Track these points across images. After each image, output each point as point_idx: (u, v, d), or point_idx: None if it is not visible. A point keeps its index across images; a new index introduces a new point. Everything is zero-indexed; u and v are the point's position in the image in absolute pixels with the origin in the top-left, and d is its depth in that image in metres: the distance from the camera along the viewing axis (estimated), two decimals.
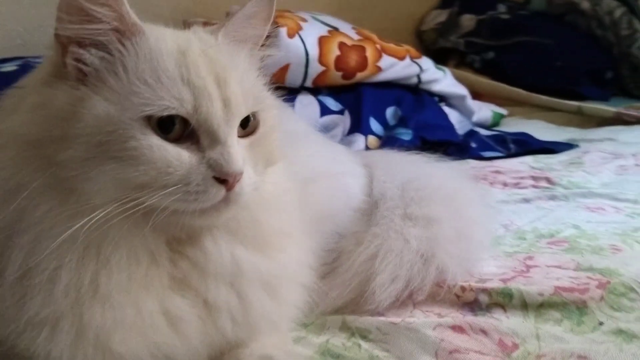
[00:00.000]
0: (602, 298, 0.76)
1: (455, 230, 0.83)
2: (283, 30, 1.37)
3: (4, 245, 0.56)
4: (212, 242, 0.61)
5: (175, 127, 0.55)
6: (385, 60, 1.49)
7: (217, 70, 0.58)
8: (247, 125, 0.61)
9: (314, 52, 1.40)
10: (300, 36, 1.39)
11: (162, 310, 0.58)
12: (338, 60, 1.42)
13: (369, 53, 1.47)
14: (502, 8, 2.22)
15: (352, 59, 1.44)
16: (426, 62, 1.59)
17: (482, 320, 0.73)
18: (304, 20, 1.46)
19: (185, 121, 0.55)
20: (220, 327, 0.60)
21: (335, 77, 1.44)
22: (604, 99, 1.94)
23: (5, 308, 0.56)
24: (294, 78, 1.39)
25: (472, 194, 0.94)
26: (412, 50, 1.58)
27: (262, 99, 0.63)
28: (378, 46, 1.50)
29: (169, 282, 0.59)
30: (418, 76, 1.55)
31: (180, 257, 0.60)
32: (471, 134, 1.56)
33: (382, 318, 0.74)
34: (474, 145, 1.48)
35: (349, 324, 0.74)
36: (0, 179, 0.56)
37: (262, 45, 0.67)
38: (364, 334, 0.72)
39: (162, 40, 0.58)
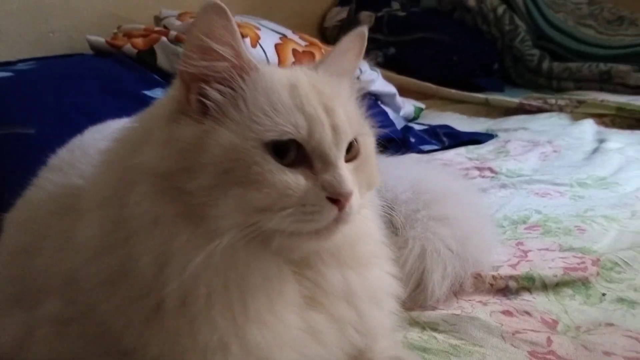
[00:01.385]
0: (598, 273, 0.94)
1: (474, 226, 0.97)
2: (246, 41, 1.42)
3: (155, 277, 0.61)
4: (324, 265, 0.67)
5: (290, 153, 0.60)
6: None
7: (324, 100, 0.64)
8: (351, 150, 0.65)
9: (273, 60, 1.46)
10: (260, 45, 1.45)
11: (304, 325, 0.65)
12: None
13: (318, 58, 1.56)
14: (395, 5, 2.40)
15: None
16: (363, 64, 1.71)
17: (518, 303, 0.89)
18: (258, 28, 1.51)
19: (298, 147, 0.60)
20: (348, 337, 0.68)
21: None
22: (498, 89, 2.20)
23: (178, 336, 0.61)
24: None
25: (471, 190, 1.08)
26: None
27: (362, 125, 0.69)
28: (323, 51, 1.60)
29: (301, 300, 0.66)
30: (358, 78, 1.67)
31: (302, 277, 0.66)
32: (407, 129, 1.72)
33: (443, 311, 0.87)
34: (412, 140, 1.64)
35: (415, 319, 0.86)
36: (138, 213, 0.61)
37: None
38: (433, 327, 0.84)
39: (275, 75, 0.64)
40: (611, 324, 0.82)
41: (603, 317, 0.84)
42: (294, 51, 1.52)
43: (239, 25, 1.42)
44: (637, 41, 2.09)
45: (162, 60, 1.49)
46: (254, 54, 1.40)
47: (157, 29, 1.61)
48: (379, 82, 1.76)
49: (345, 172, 0.62)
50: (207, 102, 0.61)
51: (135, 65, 1.47)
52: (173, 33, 1.54)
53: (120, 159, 0.66)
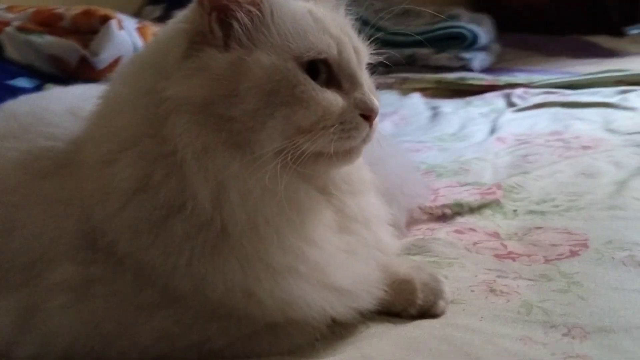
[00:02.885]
0: (503, 195, 1.12)
1: (407, 169, 1.08)
2: (113, 23, 1.35)
3: (214, 208, 0.60)
4: (340, 193, 0.72)
5: (322, 74, 0.63)
6: None
7: (340, 25, 0.68)
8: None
9: (139, 43, 1.41)
10: (126, 28, 1.39)
11: (344, 246, 0.69)
12: None
13: None
14: None
15: None
16: None
17: (459, 224, 1.02)
18: (114, 13, 1.45)
19: (328, 68, 0.64)
20: (374, 255, 0.73)
21: None
22: None
23: (248, 262, 0.62)
24: None
25: (393, 146, 1.18)
26: None
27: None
28: None
29: (334, 224, 0.70)
30: None
31: (329, 204, 0.70)
32: None
33: (407, 239, 0.96)
34: None
35: None
36: (185, 144, 0.60)
37: None
38: (406, 252, 0.92)
39: (290, 2, 0.66)
40: (539, 227, 0.98)
41: (527, 224, 1.00)
42: (154, 34, 1.48)
43: (98, 10, 1.38)
44: (427, 29, 2.41)
45: (11, 52, 1.36)
46: (119, 37, 1.36)
47: None
48: None
49: (370, 90, 0.67)
50: (236, 28, 0.62)
51: None
52: (16, 23, 1.40)
53: (138, 97, 0.64)
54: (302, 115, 0.61)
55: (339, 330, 0.69)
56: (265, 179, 0.61)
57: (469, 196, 1.11)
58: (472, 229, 0.99)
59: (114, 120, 0.64)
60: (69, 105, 0.78)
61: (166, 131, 0.61)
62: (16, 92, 1.20)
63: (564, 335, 0.69)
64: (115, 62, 1.36)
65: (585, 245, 0.89)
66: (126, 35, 1.39)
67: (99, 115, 0.68)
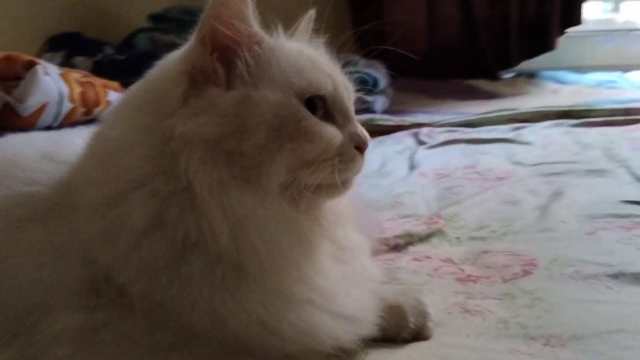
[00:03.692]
0: (445, 224, 1.18)
1: (364, 206, 1.12)
2: (39, 69, 1.29)
3: (232, 242, 0.61)
4: (330, 224, 0.74)
5: (319, 109, 0.66)
6: (111, 95, 1.54)
7: (327, 62, 0.72)
8: None
9: (64, 89, 1.36)
10: (50, 74, 1.33)
11: (341, 276, 0.71)
12: (82, 96, 1.41)
13: (98, 89, 1.50)
14: (109, 50, 2.37)
15: (91, 94, 1.45)
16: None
17: (414, 253, 1.07)
18: (38, 59, 1.38)
19: (324, 103, 0.66)
20: (366, 284, 0.76)
21: (80, 114, 1.42)
22: None
23: (264, 291, 0.63)
24: (47, 119, 1.33)
25: None
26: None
27: None
28: (97, 82, 1.53)
29: (331, 254, 0.72)
30: None
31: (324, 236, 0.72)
32: None
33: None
34: None
35: None
36: (200, 180, 0.61)
37: None
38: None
39: (285, 43, 0.69)
40: (486, 251, 1.06)
41: (473, 250, 1.07)
42: (77, 80, 1.43)
43: (20, 56, 1.32)
44: None
45: None
46: (46, 83, 1.31)
47: None
48: None
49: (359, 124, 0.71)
50: (239, 67, 0.64)
51: None
52: None
53: (141, 136, 0.63)
54: (307, 148, 0.63)
55: (343, 357, 0.71)
56: (278, 213, 0.62)
57: (413, 227, 1.16)
58: (427, 257, 1.04)
59: (117, 160, 0.63)
60: (41, 149, 0.75)
61: (178, 168, 0.61)
62: None
63: (544, 345, 0.75)
64: (41, 108, 1.29)
65: (534, 265, 0.97)
66: (51, 82, 1.33)
67: (94, 156, 0.66)
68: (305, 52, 0.70)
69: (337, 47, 0.77)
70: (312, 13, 0.80)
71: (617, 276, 0.90)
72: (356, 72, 2.17)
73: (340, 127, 0.68)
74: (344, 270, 0.72)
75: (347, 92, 0.71)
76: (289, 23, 0.75)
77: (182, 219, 0.60)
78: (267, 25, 0.69)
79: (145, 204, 0.60)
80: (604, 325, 0.77)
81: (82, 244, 0.63)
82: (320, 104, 0.67)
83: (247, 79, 0.64)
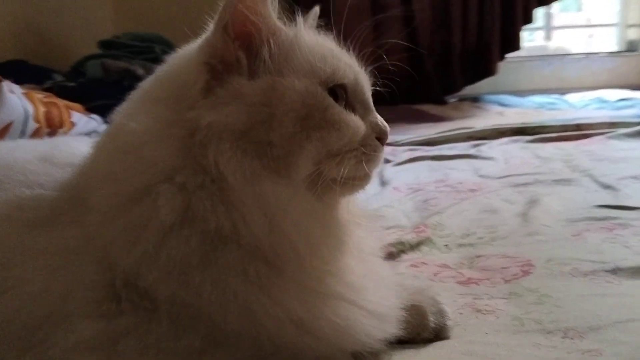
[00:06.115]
0: (432, 233, 1.18)
1: None
2: (4, 86, 1.23)
3: (267, 236, 0.58)
4: (349, 223, 0.73)
5: (341, 98, 0.64)
6: (75, 116, 1.48)
7: (345, 54, 0.70)
8: None
9: (29, 108, 1.29)
10: (13, 92, 1.27)
11: (367, 275, 0.69)
12: (47, 116, 1.35)
13: (62, 109, 1.44)
14: (59, 77, 2.29)
15: (55, 114, 1.39)
16: (97, 117, 1.62)
17: (409, 260, 1.06)
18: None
19: (345, 92, 0.65)
20: (386, 283, 0.74)
21: (44, 134, 1.35)
22: None
23: (300, 287, 0.60)
24: (14, 137, 1.25)
25: None
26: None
27: None
28: (60, 103, 1.47)
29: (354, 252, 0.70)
30: (96, 130, 1.58)
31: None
32: None
33: None
34: None
35: None
36: (231, 171, 0.58)
37: None
38: None
39: (304, 34, 0.67)
40: (480, 255, 1.06)
41: (466, 255, 1.07)
42: (40, 100, 1.37)
43: None
44: None
45: None
46: (11, 101, 1.24)
47: None
48: None
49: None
50: (263, 55, 0.62)
51: None
52: None
53: (163, 129, 0.60)
54: (335, 137, 0.62)
55: (369, 359, 0.68)
56: (309, 206, 0.60)
57: (402, 235, 1.15)
58: (423, 263, 1.04)
59: (139, 154, 0.59)
60: (39, 153, 0.71)
61: (206, 160, 0.58)
62: None
63: (563, 337, 0.75)
64: (7, 127, 1.22)
65: (531, 265, 0.98)
66: (17, 100, 1.26)
67: (112, 153, 0.62)
68: (325, 43, 0.68)
69: None
70: (316, 10, 0.79)
71: (614, 271, 0.92)
72: None
73: (362, 117, 0.66)
74: (365, 269, 0.70)
75: (367, 83, 0.70)
76: None
77: (213, 212, 0.57)
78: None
79: (173, 197, 0.57)
80: (616, 316, 0.78)
81: (98, 247, 0.58)
82: (341, 94, 0.65)
83: (270, 67, 0.62)
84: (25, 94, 1.34)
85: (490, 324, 0.79)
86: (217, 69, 0.61)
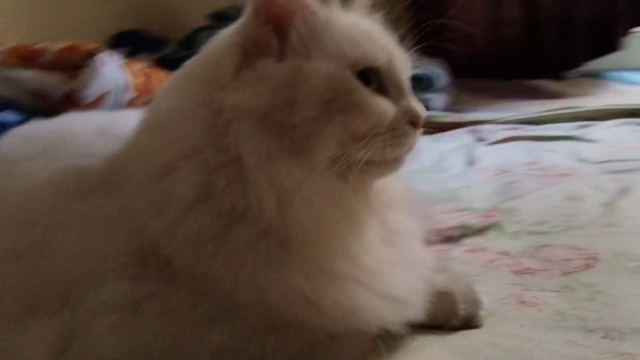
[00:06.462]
0: (502, 219, 1.15)
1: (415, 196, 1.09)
2: (99, 58, 1.34)
3: (278, 215, 0.60)
4: (382, 206, 0.73)
5: (372, 82, 0.64)
6: None
7: (384, 35, 0.70)
8: None
9: (125, 78, 1.40)
10: (112, 64, 1.37)
11: (389, 257, 0.70)
12: (145, 85, 1.45)
13: (161, 80, 1.53)
14: (170, 48, 2.43)
15: (154, 83, 1.48)
16: None
17: (468, 245, 1.04)
18: (100, 48, 1.43)
19: (378, 75, 0.65)
20: (416, 268, 0.74)
21: (141, 103, 1.45)
22: None
23: (313, 270, 0.62)
24: (107, 107, 1.37)
25: None
26: None
27: None
28: (158, 74, 1.57)
29: (380, 236, 0.70)
30: None
31: (373, 216, 0.70)
32: None
33: None
34: None
35: None
36: (249, 151, 0.60)
37: None
38: None
39: (340, 15, 0.68)
40: (546, 245, 1.02)
41: (532, 244, 1.03)
42: (138, 70, 1.47)
43: (82, 45, 1.36)
44: None
45: None
46: (105, 72, 1.35)
47: None
48: None
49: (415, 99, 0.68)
50: (292, 38, 0.63)
51: None
52: None
53: (194, 107, 0.63)
54: (358, 121, 0.62)
55: (389, 341, 0.69)
56: (325, 187, 0.61)
57: (469, 219, 1.13)
58: (482, 249, 1.01)
59: (169, 131, 0.64)
60: (96, 125, 0.77)
61: (227, 140, 0.61)
62: (3, 125, 1.16)
63: (603, 337, 0.71)
64: (101, 97, 1.34)
65: (596, 259, 0.93)
66: (113, 71, 1.37)
67: (148, 129, 0.67)
68: (360, 25, 0.68)
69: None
70: None
71: None
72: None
73: (395, 101, 0.66)
74: (392, 252, 0.70)
75: (404, 66, 0.69)
76: None
77: (229, 190, 0.60)
78: None
79: (193, 174, 0.61)
80: None
81: (131, 215, 0.63)
82: (374, 77, 0.65)
83: (300, 50, 0.63)
84: (123, 65, 1.44)
85: (530, 316, 0.77)
86: (249, 51, 0.63)
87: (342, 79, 0.62)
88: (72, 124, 0.79)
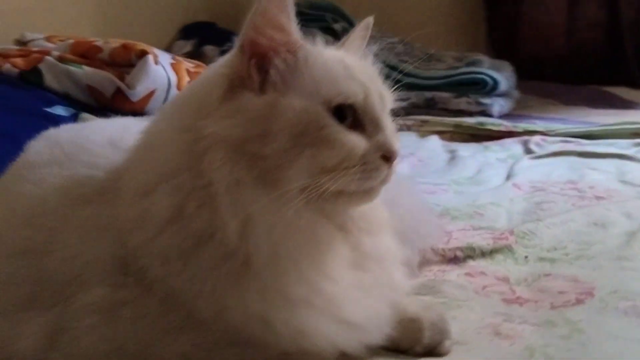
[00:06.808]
0: (516, 241, 1.14)
1: (418, 208, 1.12)
2: (150, 57, 1.43)
3: (241, 239, 0.65)
4: (358, 231, 0.76)
5: (348, 117, 0.67)
6: None
7: (368, 72, 0.74)
8: None
9: (173, 77, 1.48)
10: (161, 64, 1.46)
11: (357, 283, 0.72)
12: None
13: None
14: (233, 43, 2.50)
15: None
16: None
17: (470, 267, 1.05)
18: (151, 48, 1.52)
19: (353, 112, 0.68)
20: (385, 294, 0.77)
21: None
22: None
23: (266, 293, 0.66)
24: (155, 105, 1.46)
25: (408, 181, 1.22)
26: None
27: None
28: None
29: (350, 261, 0.73)
30: None
31: (345, 241, 0.73)
32: None
33: (418, 280, 0.99)
34: None
35: None
36: (220, 178, 0.65)
37: None
38: (416, 292, 0.95)
39: (324, 51, 0.72)
40: (548, 274, 1.01)
41: (536, 271, 1.03)
42: (188, 71, 1.56)
43: (135, 45, 1.46)
44: (448, 73, 2.47)
45: (50, 80, 1.43)
46: (155, 71, 1.44)
47: (35, 49, 1.54)
48: None
49: (393, 134, 0.71)
50: (273, 73, 0.68)
51: (23, 84, 1.39)
52: (55, 53, 1.49)
53: (179, 133, 0.69)
54: (327, 155, 0.66)
55: None
56: (289, 214, 0.65)
57: (481, 240, 1.14)
58: (482, 273, 1.02)
59: (154, 153, 0.70)
60: (109, 136, 0.84)
61: (203, 166, 0.66)
62: (53, 119, 1.27)
63: None
64: (150, 94, 1.43)
65: (591, 294, 0.92)
66: (161, 70, 1.46)
67: (139, 149, 0.73)
68: (345, 61, 0.72)
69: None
70: (369, 20, 0.82)
71: None
72: (475, 72, 2.14)
73: (369, 135, 0.69)
74: (361, 277, 0.74)
75: (381, 101, 0.72)
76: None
77: (199, 214, 0.66)
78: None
79: (170, 195, 0.67)
80: None
81: (120, 226, 0.70)
82: (349, 112, 0.68)
83: (279, 85, 0.68)
84: (173, 64, 1.53)
85: (500, 349, 0.79)
86: (234, 83, 0.68)
87: (314, 114, 0.66)
88: (91, 133, 0.87)
